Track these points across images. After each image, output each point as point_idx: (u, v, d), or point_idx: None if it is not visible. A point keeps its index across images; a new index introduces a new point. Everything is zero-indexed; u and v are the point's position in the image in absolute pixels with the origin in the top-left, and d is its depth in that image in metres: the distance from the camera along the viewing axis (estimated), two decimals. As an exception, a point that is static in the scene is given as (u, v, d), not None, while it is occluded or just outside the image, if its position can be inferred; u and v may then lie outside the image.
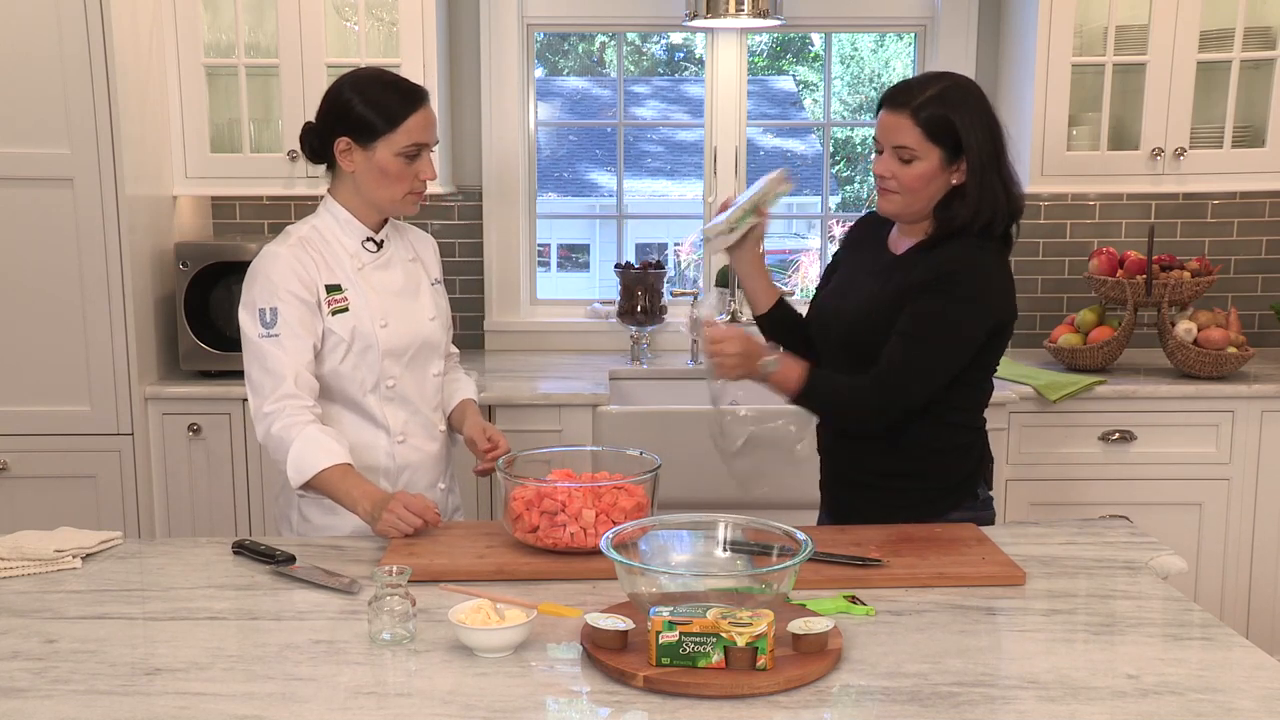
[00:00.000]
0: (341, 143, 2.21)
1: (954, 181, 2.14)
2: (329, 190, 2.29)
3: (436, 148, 3.47)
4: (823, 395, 2.18)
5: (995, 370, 2.26)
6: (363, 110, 2.18)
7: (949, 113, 2.10)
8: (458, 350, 2.58)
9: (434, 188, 3.47)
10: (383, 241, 2.30)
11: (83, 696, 1.50)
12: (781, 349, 2.23)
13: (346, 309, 2.22)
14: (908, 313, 2.13)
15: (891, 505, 2.21)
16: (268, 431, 2.14)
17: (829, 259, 2.58)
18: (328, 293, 2.21)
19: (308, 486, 2.12)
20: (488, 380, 3.38)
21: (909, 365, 2.12)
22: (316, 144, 2.24)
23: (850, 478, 2.31)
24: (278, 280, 2.17)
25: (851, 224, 2.46)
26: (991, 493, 2.33)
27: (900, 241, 2.25)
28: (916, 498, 2.22)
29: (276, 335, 2.15)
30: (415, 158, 2.21)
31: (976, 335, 2.14)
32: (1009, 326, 2.20)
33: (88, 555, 2.01)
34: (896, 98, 2.15)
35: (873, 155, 2.21)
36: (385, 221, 2.32)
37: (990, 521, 2.27)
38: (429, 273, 2.40)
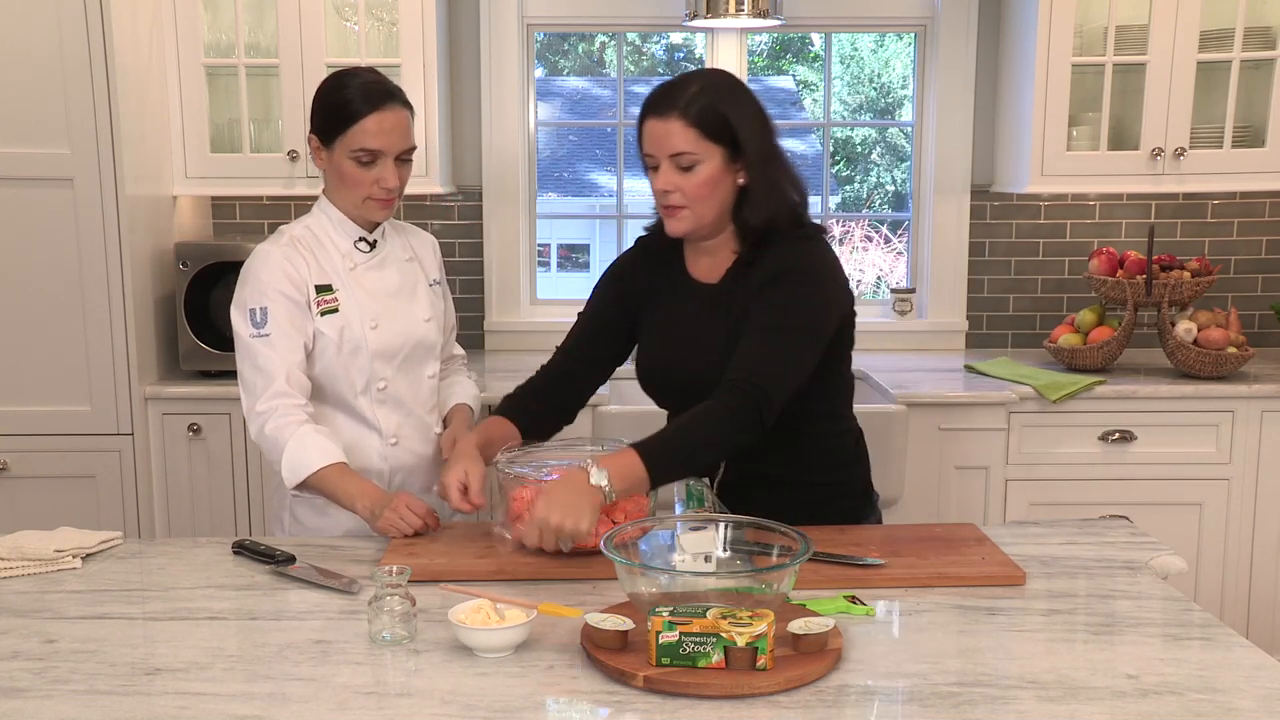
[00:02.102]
0: (312, 140, 2.20)
1: (740, 181, 2.00)
2: (323, 189, 2.27)
3: (435, 151, 3.47)
4: (676, 453, 1.90)
5: (849, 364, 2.14)
6: (325, 108, 2.16)
7: (719, 105, 1.96)
8: (464, 352, 2.56)
9: (434, 188, 3.49)
10: (375, 242, 2.28)
11: (83, 696, 1.50)
12: (589, 459, 1.88)
13: (336, 310, 2.20)
14: (754, 310, 1.97)
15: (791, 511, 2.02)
16: (260, 431, 2.13)
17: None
18: (317, 293, 2.19)
19: (303, 486, 2.12)
20: (488, 380, 3.38)
21: (772, 357, 1.94)
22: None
23: (743, 482, 2.08)
24: (267, 280, 2.16)
25: (626, 253, 2.25)
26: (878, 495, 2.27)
27: (708, 266, 2.10)
28: (814, 504, 2.09)
29: (267, 335, 2.14)
30: (370, 163, 2.14)
31: (829, 327, 2.02)
32: (852, 319, 2.09)
33: (88, 555, 2.01)
34: (660, 103, 1.98)
35: (651, 175, 2.02)
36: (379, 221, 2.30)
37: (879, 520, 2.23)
38: (427, 273, 2.37)
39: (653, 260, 2.19)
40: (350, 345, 2.21)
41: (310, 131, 2.20)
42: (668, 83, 2.02)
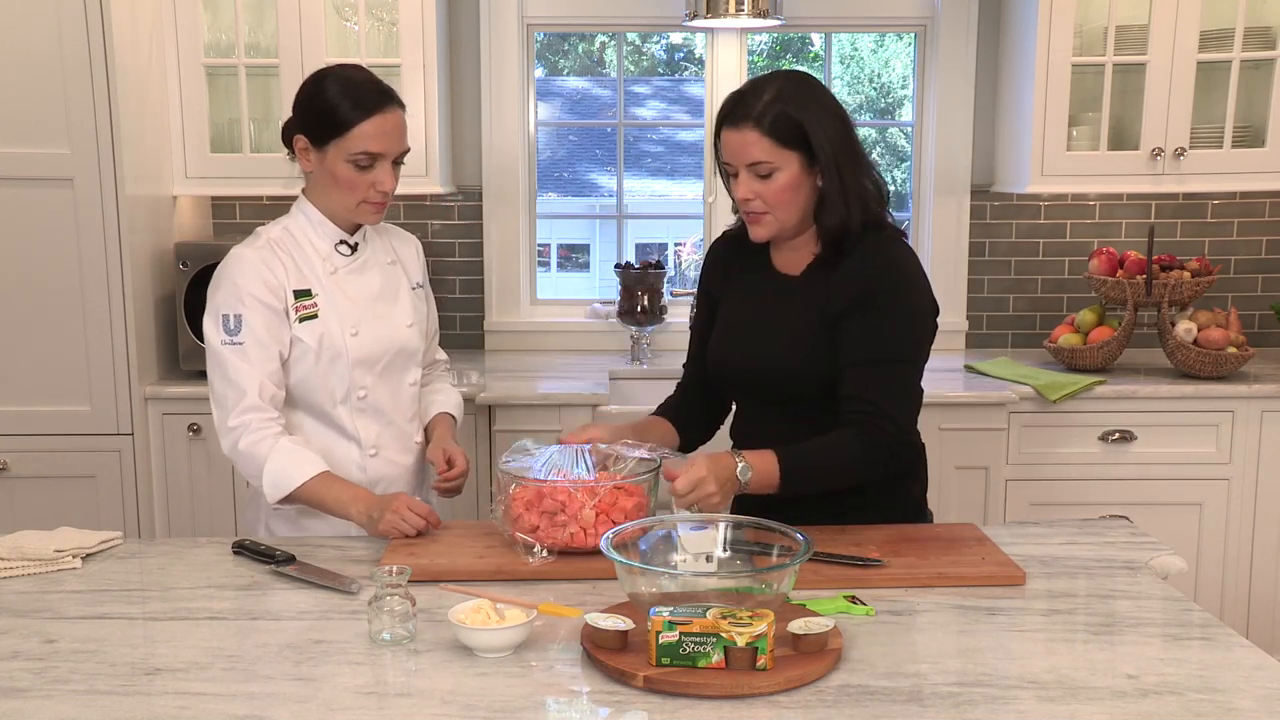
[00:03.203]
0: (300, 140, 2.13)
1: (820, 183, 2.00)
2: (303, 190, 2.21)
3: (435, 151, 3.47)
4: (810, 471, 1.97)
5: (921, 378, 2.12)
6: (317, 109, 2.09)
7: (793, 111, 1.95)
8: (446, 357, 2.50)
9: (434, 188, 3.49)
10: (357, 244, 2.22)
11: (83, 696, 1.50)
12: (741, 453, 1.95)
13: (315, 316, 2.13)
14: (855, 338, 1.99)
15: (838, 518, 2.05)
16: (234, 447, 2.08)
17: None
18: (296, 299, 2.12)
19: (288, 500, 2.08)
20: (488, 380, 3.38)
21: (891, 392, 1.99)
22: (287, 139, 2.18)
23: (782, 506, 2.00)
24: (243, 285, 2.09)
25: (708, 254, 2.27)
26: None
27: (790, 259, 2.10)
28: (854, 512, 2.08)
29: (240, 344, 2.08)
30: (368, 167, 2.09)
31: (929, 336, 2.06)
32: (936, 320, 2.11)
33: (88, 555, 2.01)
34: (734, 112, 1.97)
35: (731, 182, 2.03)
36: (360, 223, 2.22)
37: None
38: (410, 276, 2.30)
39: (736, 248, 2.19)
40: (329, 353, 2.14)
41: (297, 132, 2.14)
42: (742, 90, 2.01)
